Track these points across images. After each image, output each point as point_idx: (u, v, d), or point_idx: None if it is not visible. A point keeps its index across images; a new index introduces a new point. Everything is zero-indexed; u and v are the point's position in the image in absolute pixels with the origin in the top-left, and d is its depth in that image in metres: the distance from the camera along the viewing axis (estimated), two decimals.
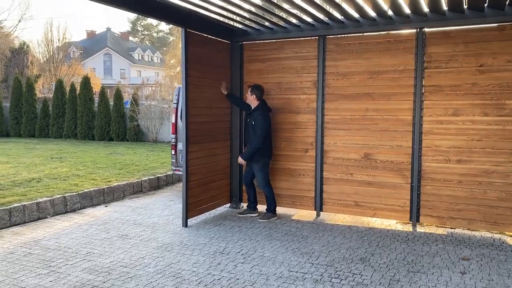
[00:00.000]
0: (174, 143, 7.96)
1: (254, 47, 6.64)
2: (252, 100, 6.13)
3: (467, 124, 5.46)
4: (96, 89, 21.03)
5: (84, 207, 6.89)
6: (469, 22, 5.29)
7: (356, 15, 5.60)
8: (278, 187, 6.54)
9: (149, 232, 5.55)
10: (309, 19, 5.86)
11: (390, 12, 5.41)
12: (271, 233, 5.53)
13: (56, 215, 6.41)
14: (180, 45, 12.44)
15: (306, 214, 6.42)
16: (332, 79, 6.16)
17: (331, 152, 6.22)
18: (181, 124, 6.76)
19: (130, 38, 63.84)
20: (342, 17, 5.70)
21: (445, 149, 5.58)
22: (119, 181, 8.00)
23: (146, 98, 17.38)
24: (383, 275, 4.20)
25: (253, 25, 6.25)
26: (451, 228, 5.71)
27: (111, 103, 16.73)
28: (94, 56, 52.09)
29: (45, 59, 32.49)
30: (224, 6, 5.31)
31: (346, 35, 6.06)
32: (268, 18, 5.93)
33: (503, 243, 5.17)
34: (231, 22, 6.30)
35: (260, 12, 5.71)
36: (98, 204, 7.12)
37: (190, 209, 5.91)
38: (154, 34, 68.27)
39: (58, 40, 33.28)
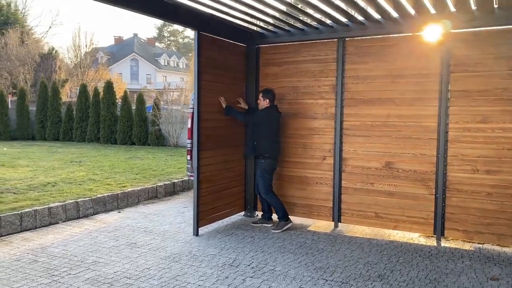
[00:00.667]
0: (189, 148, 7.79)
1: (271, 50, 6.41)
2: (265, 106, 5.91)
3: (497, 132, 5.07)
4: (122, 93, 21.21)
5: (97, 213, 6.78)
6: (499, 22, 4.92)
7: (377, 16, 5.31)
8: (294, 196, 6.27)
9: (158, 241, 5.37)
10: (328, 21, 5.60)
11: (413, 12, 5.10)
12: (284, 244, 5.26)
13: (68, 220, 6.32)
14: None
15: (323, 225, 6.12)
16: (351, 83, 5.86)
17: (350, 160, 5.91)
18: None
19: (157, 43, 64.72)
20: (363, 19, 5.42)
21: (472, 159, 5.21)
22: (134, 186, 7.88)
23: (171, 103, 17.37)
24: None
25: (270, 27, 6.03)
26: (478, 243, 5.31)
27: (134, 107, 16.80)
28: (121, 62, 52.94)
29: (73, 64, 33.11)
30: (246, 11, 5.15)
31: (366, 37, 5.77)
32: (286, 20, 5.70)
33: None
34: (248, 25, 6.09)
35: (281, 16, 5.51)
36: (111, 210, 7.01)
37: (201, 218, 5.70)
38: (180, 40, 69.02)
39: (86, 45, 33.88)
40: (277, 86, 6.26)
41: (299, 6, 4.93)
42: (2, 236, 5.51)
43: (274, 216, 6.12)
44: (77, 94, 18.76)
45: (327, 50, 5.99)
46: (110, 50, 50.75)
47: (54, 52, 29.33)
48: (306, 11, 5.19)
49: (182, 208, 7.21)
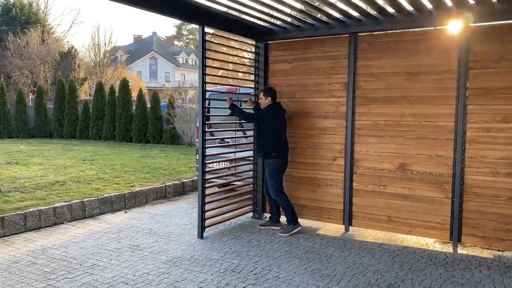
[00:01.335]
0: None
1: (280, 46, 6.18)
2: (268, 104, 5.68)
3: None
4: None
5: (103, 213, 6.68)
6: None
7: (391, 10, 5.03)
8: (303, 198, 6.04)
9: (161, 243, 5.21)
10: (339, 15, 5.34)
11: (429, 6, 4.81)
12: (291, 249, 5.04)
13: (73, 220, 6.23)
14: (224, 48, 12.16)
15: (334, 229, 5.87)
16: (364, 81, 5.59)
17: (362, 161, 5.64)
18: None
19: (175, 42, 64.93)
20: (376, 13, 5.14)
21: (492, 160, 4.88)
22: (143, 185, 7.76)
23: (189, 101, 17.23)
24: None
25: (280, 23, 5.80)
26: (498, 250, 4.99)
27: (149, 105, 16.78)
28: (140, 60, 53.26)
29: (93, 63, 33.43)
30: (255, 7, 4.95)
31: (380, 32, 5.49)
32: (295, 15, 5.46)
33: None
34: (256, 21, 5.87)
35: (293, 12, 5.28)
36: (118, 210, 6.89)
37: (207, 219, 5.52)
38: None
39: (105, 44, 34.15)
40: (286, 83, 6.03)
41: (312, 1, 4.72)
42: (5, 236, 5.44)
43: (283, 218, 5.90)
44: (93, 92, 18.84)
45: (338, 45, 5.72)
46: (129, 49, 51.10)
47: (73, 50, 29.63)
48: (317, 5, 4.95)
49: (190, 208, 7.05)
